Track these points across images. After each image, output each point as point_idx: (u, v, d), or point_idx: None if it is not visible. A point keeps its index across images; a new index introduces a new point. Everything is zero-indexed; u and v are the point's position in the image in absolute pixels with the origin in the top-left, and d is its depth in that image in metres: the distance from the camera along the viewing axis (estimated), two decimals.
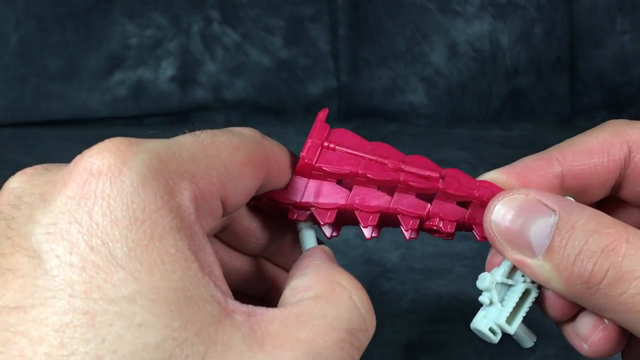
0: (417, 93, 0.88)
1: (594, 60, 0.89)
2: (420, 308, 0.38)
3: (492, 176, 0.26)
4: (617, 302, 0.20)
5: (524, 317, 0.25)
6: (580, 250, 0.21)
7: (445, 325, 0.36)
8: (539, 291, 0.25)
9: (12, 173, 0.23)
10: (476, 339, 0.34)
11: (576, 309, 0.25)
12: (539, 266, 0.22)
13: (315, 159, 0.26)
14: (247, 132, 0.25)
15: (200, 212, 0.20)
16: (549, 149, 0.26)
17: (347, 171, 0.25)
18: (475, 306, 0.38)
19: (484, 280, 0.24)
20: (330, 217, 0.25)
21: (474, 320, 0.24)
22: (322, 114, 0.27)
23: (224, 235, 0.27)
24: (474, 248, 0.47)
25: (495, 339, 0.24)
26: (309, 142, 0.26)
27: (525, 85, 0.89)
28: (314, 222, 0.26)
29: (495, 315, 0.24)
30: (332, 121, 1.01)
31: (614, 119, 0.26)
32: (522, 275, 0.24)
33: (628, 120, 0.26)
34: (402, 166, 0.26)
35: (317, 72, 0.87)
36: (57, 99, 0.84)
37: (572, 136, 0.25)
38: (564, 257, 0.21)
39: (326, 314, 0.19)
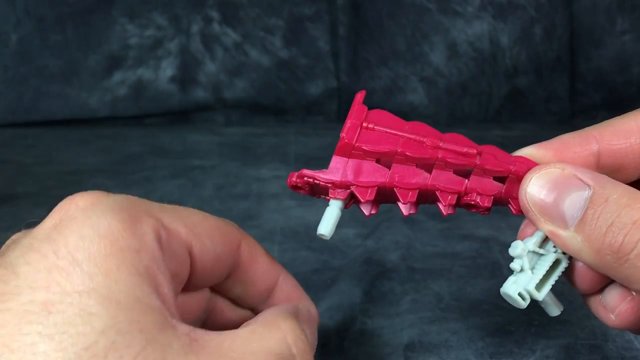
0: (417, 93, 0.88)
1: (594, 60, 0.89)
2: (420, 308, 0.38)
3: (529, 152, 0.26)
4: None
5: (552, 286, 0.25)
6: (612, 222, 0.22)
7: (445, 325, 0.36)
8: (568, 262, 0.25)
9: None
10: (476, 338, 0.34)
11: (604, 282, 0.25)
12: (571, 237, 0.23)
13: (355, 139, 0.26)
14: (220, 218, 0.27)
15: (164, 249, 0.22)
16: (587, 128, 0.27)
17: (386, 149, 0.26)
18: (475, 306, 0.38)
19: (516, 248, 0.25)
20: (371, 194, 0.26)
21: (504, 285, 0.25)
22: (360, 96, 0.28)
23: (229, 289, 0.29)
24: (474, 248, 0.47)
25: (524, 304, 0.25)
26: (348, 123, 0.27)
27: (525, 85, 0.89)
28: (354, 201, 0.26)
29: (525, 281, 0.25)
30: (332, 121, 1.00)
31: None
32: (554, 246, 0.25)
33: None
34: (440, 144, 0.27)
35: (317, 72, 0.87)
36: (57, 99, 0.84)
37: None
38: (596, 228, 0.22)
39: (258, 344, 0.21)
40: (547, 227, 0.24)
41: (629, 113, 0.26)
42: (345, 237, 0.48)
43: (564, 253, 0.25)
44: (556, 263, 0.25)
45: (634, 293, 0.25)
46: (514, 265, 0.25)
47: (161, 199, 0.24)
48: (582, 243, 0.23)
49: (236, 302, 0.29)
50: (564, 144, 0.26)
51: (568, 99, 0.89)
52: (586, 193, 0.22)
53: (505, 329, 0.36)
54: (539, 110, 0.89)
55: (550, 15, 0.88)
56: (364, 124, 0.27)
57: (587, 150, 0.26)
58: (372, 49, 0.88)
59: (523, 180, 0.25)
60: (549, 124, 0.87)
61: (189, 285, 0.25)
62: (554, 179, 0.24)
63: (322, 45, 0.87)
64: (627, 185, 0.23)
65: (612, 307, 0.26)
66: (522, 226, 0.27)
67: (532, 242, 0.25)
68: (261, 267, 0.27)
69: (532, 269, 0.25)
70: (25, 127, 0.83)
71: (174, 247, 0.23)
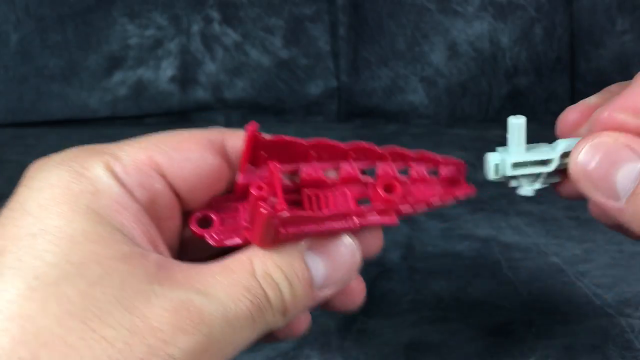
0: (417, 93, 0.88)
1: (594, 60, 0.89)
2: (420, 308, 0.38)
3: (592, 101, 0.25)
4: None
5: (536, 177, 0.26)
6: None
7: (445, 325, 0.36)
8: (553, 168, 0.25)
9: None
10: (477, 338, 0.34)
11: None
12: (623, 209, 0.22)
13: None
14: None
15: (124, 183, 0.22)
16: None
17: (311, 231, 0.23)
18: (476, 307, 0.38)
19: (519, 119, 0.25)
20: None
21: (494, 153, 0.26)
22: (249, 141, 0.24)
23: None
24: (474, 248, 0.47)
25: (492, 175, 0.25)
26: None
27: (525, 85, 0.89)
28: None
29: (510, 154, 0.25)
30: (332, 121, 1.00)
31: None
32: (562, 158, 0.25)
33: None
34: (357, 219, 0.24)
35: (317, 72, 0.87)
36: (57, 99, 0.84)
37: (572, 136, 0.26)
38: None
39: (226, 277, 0.21)
40: (598, 197, 0.23)
41: None
42: None
43: (561, 170, 0.25)
44: (545, 162, 0.26)
45: None
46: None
47: None
48: (633, 215, 0.22)
49: None
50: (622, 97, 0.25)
51: (568, 99, 0.89)
52: (639, 165, 0.22)
53: (506, 329, 0.36)
54: (539, 110, 0.89)
55: (551, 15, 0.88)
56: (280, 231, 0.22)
57: None
58: (372, 49, 0.88)
59: (574, 149, 0.24)
60: (549, 124, 0.87)
61: (184, 204, 0.24)
62: (606, 149, 0.23)
63: (322, 45, 0.87)
64: None
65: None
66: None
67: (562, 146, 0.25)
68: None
69: (528, 150, 0.25)
70: (25, 127, 0.83)
71: (137, 177, 0.23)
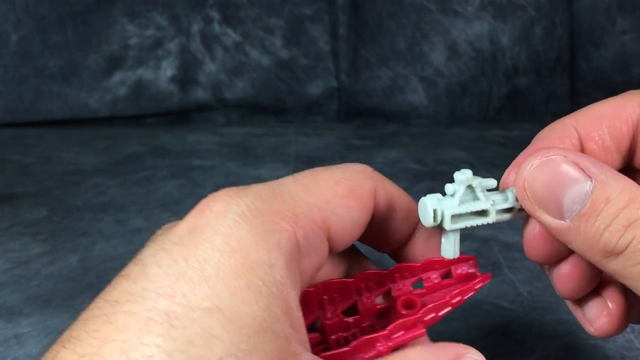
0: (417, 93, 0.88)
1: (594, 60, 0.89)
2: None
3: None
4: (632, 271, 0.21)
5: (462, 229, 0.25)
6: (610, 223, 0.21)
7: (445, 325, 0.36)
8: (494, 220, 0.25)
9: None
10: (477, 338, 0.34)
11: (585, 291, 0.25)
12: (566, 229, 0.22)
13: None
14: (352, 166, 0.24)
15: (303, 252, 0.21)
16: (562, 118, 0.26)
17: None
18: (475, 307, 0.38)
19: (463, 174, 0.24)
20: None
21: (427, 196, 0.24)
22: None
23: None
24: (474, 248, 0.47)
25: (431, 222, 0.24)
26: None
27: (525, 85, 0.89)
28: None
29: (447, 205, 0.24)
30: (332, 121, 1.00)
31: None
32: (493, 201, 0.24)
33: None
34: (385, 342, 0.23)
35: (317, 72, 0.87)
36: (57, 99, 0.84)
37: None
38: (593, 227, 0.21)
39: None
40: (543, 217, 0.23)
41: (604, 100, 0.26)
42: None
43: (500, 211, 0.24)
44: (484, 214, 0.24)
45: (610, 306, 0.25)
46: (449, 187, 0.24)
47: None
48: (576, 236, 0.22)
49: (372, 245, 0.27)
50: (545, 139, 0.25)
51: (568, 99, 0.89)
52: (587, 186, 0.22)
53: (506, 329, 0.36)
54: (539, 110, 0.89)
55: (550, 15, 0.88)
56: None
57: (569, 142, 0.25)
58: (372, 49, 0.88)
59: (522, 165, 0.23)
60: (549, 124, 0.87)
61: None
62: (555, 168, 0.22)
63: (322, 45, 0.87)
64: (628, 180, 0.22)
65: (591, 319, 0.26)
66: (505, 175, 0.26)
67: (479, 181, 0.24)
68: (399, 214, 0.25)
69: (462, 202, 0.24)
70: (25, 127, 0.83)
71: (311, 245, 0.21)
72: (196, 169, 0.67)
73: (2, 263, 0.46)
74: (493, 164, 0.69)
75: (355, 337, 0.24)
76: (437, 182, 0.62)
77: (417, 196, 0.25)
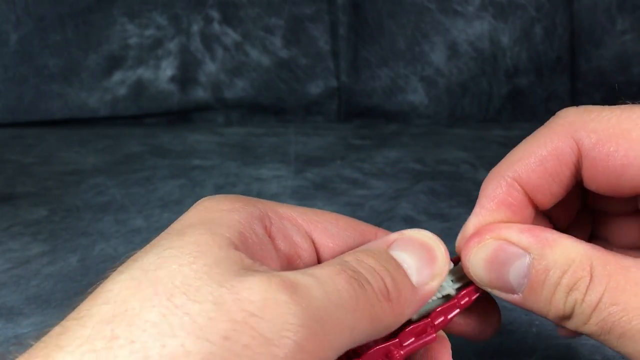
0: (417, 93, 0.88)
1: (594, 60, 0.89)
2: None
3: (474, 222, 0.25)
4: (586, 330, 0.22)
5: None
6: (554, 292, 0.22)
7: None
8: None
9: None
10: None
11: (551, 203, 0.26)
12: (521, 301, 0.23)
13: None
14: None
15: (272, 233, 0.23)
16: (499, 166, 0.26)
17: None
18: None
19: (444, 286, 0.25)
20: None
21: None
22: None
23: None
24: None
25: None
26: None
27: (525, 85, 0.89)
28: None
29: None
30: (332, 121, 1.00)
31: None
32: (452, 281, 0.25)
33: (577, 110, 0.26)
34: (397, 351, 0.23)
35: (317, 72, 0.87)
36: (57, 99, 0.84)
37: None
38: (542, 297, 0.23)
39: (321, 266, 0.20)
40: (501, 295, 0.24)
41: (538, 135, 0.26)
42: None
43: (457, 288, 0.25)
44: (449, 297, 0.25)
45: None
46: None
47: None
48: (532, 306, 0.23)
49: None
50: (497, 204, 0.25)
51: (568, 99, 0.89)
52: (527, 260, 0.23)
53: (506, 329, 0.36)
54: (539, 110, 0.89)
55: (551, 15, 0.88)
56: None
57: (517, 199, 0.25)
58: (372, 49, 0.88)
59: (463, 257, 0.24)
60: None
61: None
62: (491, 253, 0.23)
63: (322, 45, 0.87)
64: (565, 240, 0.22)
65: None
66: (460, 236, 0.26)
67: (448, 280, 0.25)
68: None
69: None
70: (25, 127, 0.83)
71: (280, 227, 0.23)
72: (196, 169, 0.67)
73: (2, 263, 0.46)
74: (493, 164, 0.69)
75: (364, 348, 0.24)
76: (437, 182, 0.62)
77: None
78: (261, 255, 0.21)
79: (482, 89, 0.89)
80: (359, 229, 0.25)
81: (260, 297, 0.16)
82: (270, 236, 0.23)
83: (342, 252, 0.23)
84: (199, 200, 0.23)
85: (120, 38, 0.84)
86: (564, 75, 0.89)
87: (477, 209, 0.26)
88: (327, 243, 0.24)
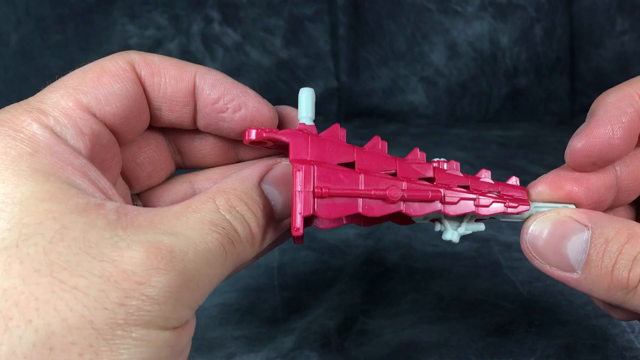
0: (417, 93, 0.88)
1: (594, 60, 0.89)
2: (420, 308, 0.38)
3: (541, 189, 0.26)
4: None
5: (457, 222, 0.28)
6: (616, 261, 0.22)
7: (446, 325, 0.36)
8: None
9: None
10: (476, 338, 0.34)
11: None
12: (580, 279, 0.23)
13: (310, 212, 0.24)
14: (109, 57, 0.26)
15: (62, 135, 0.22)
16: (626, 84, 0.27)
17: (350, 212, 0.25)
18: (476, 306, 0.38)
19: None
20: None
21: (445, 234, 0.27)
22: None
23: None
24: (474, 248, 0.47)
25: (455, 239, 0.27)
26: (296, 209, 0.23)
27: (525, 85, 0.89)
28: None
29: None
30: (332, 121, 1.01)
31: None
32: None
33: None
34: (402, 194, 0.26)
35: (317, 72, 0.87)
36: None
37: (572, 136, 0.26)
38: (602, 269, 0.23)
39: (190, 216, 0.21)
40: (555, 272, 0.24)
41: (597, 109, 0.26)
42: (346, 237, 0.48)
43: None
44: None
45: None
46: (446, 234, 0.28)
47: None
48: (592, 283, 0.23)
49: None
50: (606, 111, 0.26)
51: (568, 99, 0.89)
52: (586, 235, 0.23)
53: (506, 329, 0.36)
54: (539, 110, 0.89)
55: (550, 15, 0.88)
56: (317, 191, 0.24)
57: (602, 176, 0.26)
58: (372, 49, 0.88)
59: (522, 229, 0.25)
60: (549, 124, 0.87)
61: (121, 139, 0.25)
62: (552, 225, 0.24)
63: (322, 45, 0.87)
64: (622, 219, 0.23)
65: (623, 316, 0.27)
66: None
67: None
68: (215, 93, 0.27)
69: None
70: None
71: (71, 126, 0.23)
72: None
73: None
74: (493, 163, 0.69)
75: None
76: None
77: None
78: (78, 176, 0.21)
79: (481, 89, 0.89)
80: (121, 75, 0.25)
81: (143, 268, 0.18)
82: (65, 142, 0.22)
83: (126, 112, 0.24)
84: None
85: (121, 38, 0.84)
86: (564, 75, 0.89)
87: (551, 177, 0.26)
88: (108, 110, 0.24)
